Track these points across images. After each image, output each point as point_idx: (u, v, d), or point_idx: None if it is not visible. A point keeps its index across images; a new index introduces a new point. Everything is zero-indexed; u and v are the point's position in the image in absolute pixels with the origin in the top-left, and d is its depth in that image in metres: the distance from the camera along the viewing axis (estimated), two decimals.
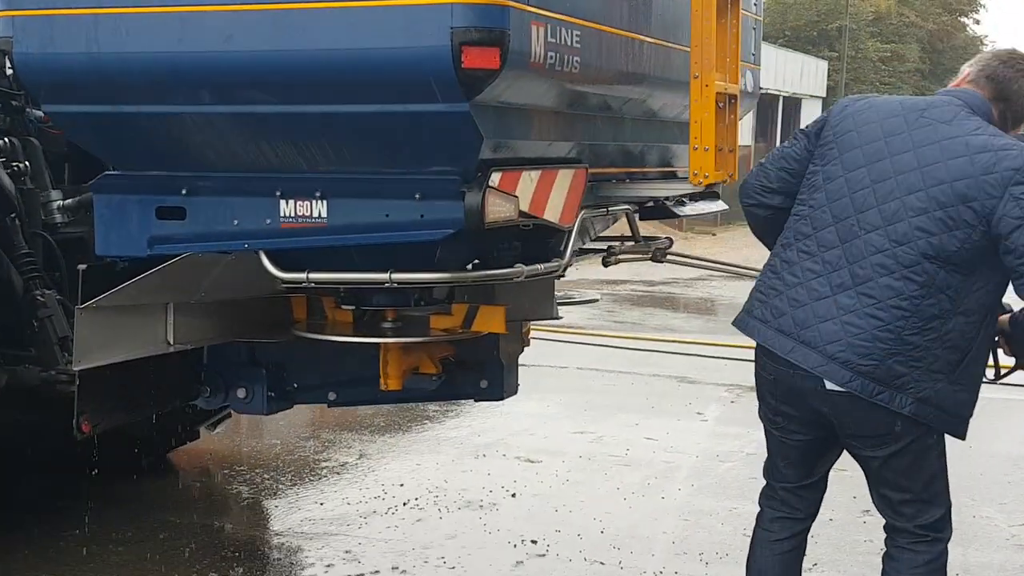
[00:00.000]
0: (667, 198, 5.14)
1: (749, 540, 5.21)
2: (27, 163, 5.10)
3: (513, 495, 6.13)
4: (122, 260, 4.12)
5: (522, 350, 5.29)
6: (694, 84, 4.38)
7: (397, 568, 5.07)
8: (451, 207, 3.64)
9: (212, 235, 3.93)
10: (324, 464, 6.64)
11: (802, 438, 3.70)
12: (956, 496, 3.70)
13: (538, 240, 4.31)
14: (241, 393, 4.67)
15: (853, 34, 40.86)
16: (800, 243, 3.57)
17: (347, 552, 5.26)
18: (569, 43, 3.73)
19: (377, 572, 5.04)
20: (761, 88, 24.91)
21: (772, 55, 33.06)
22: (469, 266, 4.13)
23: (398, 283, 3.87)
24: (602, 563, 5.19)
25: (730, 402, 8.54)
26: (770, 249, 3.78)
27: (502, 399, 5.04)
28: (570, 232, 4.23)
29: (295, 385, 4.80)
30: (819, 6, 42.05)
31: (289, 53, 3.45)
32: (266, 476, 6.42)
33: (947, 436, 3.58)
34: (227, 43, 3.48)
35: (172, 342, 4.21)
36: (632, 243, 5.23)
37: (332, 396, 4.85)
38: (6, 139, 5.07)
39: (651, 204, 5.20)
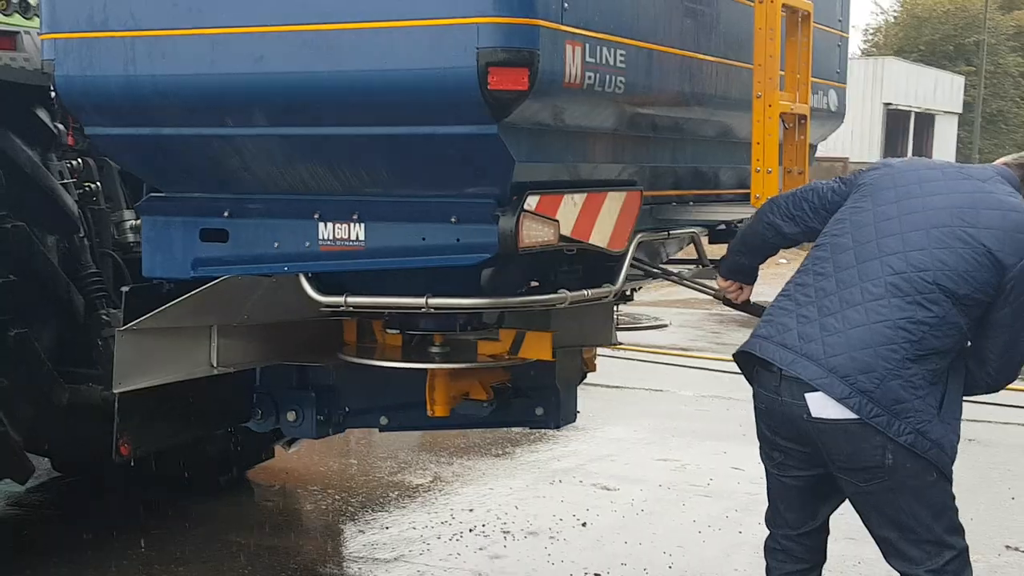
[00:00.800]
0: (738, 221, 4.94)
1: None
2: (99, 183, 5.16)
3: (584, 524, 5.98)
4: (168, 282, 4.11)
5: (583, 376, 5.15)
6: (757, 104, 4.24)
7: None
8: (486, 231, 3.54)
9: (254, 258, 3.88)
10: (397, 486, 6.58)
11: (800, 474, 3.60)
12: None
13: (601, 263, 4.16)
14: (291, 416, 4.62)
15: (992, 48, 39.65)
16: (816, 266, 3.56)
17: None
18: (612, 63, 3.60)
19: None
20: (890, 104, 24.36)
21: (903, 70, 32.29)
22: (522, 289, 4.05)
23: (435, 308, 3.77)
24: None
25: None
26: (737, 261, 3.98)
27: (558, 427, 4.91)
28: (624, 257, 4.09)
29: (346, 409, 4.73)
30: (956, 20, 40.95)
31: (319, 74, 3.40)
32: (337, 497, 6.39)
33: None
34: (258, 65, 3.44)
35: (216, 364, 4.19)
36: (701, 267, 5.04)
37: (384, 421, 4.76)
38: (80, 159, 5.14)
39: (723, 227, 5.01)
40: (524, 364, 4.56)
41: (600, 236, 3.86)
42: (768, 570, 3.77)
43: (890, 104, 30.61)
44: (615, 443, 7.63)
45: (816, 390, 3.34)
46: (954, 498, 3.45)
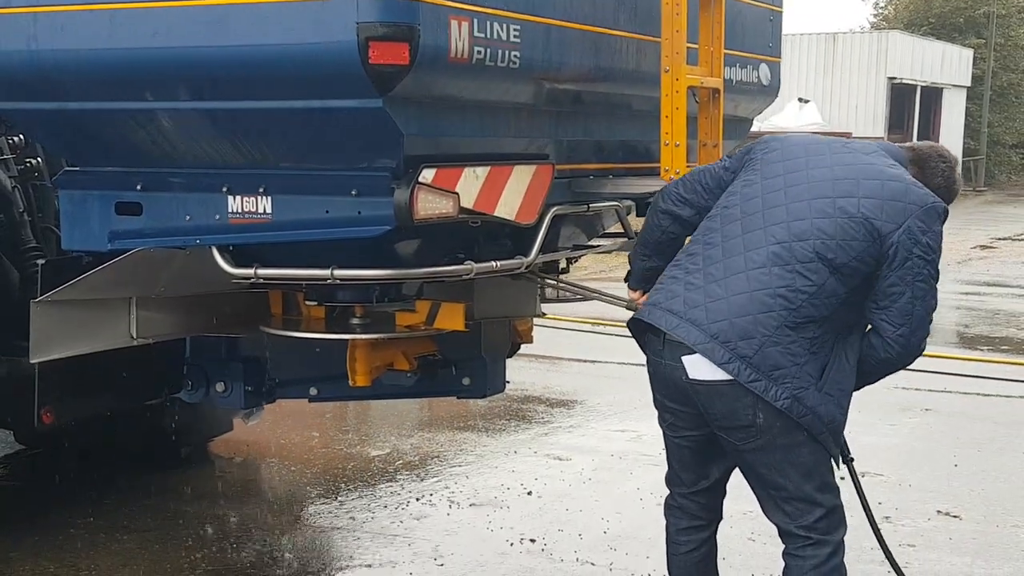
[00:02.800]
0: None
1: (753, 545, 5.16)
2: (39, 159, 5.26)
3: (529, 493, 6.07)
4: (87, 254, 4.21)
5: (516, 348, 5.25)
6: (665, 78, 4.30)
7: (383, 563, 5.08)
8: (384, 204, 3.62)
9: (167, 230, 3.99)
10: (354, 458, 6.68)
11: (690, 434, 3.71)
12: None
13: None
14: (220, 387, 4.73)
15: (1002, 20, 39.35)
16: (706, 236, 3.65)
17: (339, 547, 5.29)
18: (504, 38, 3.67)
19: (363, 565, 5.06)
20: (895, 78, 24.12)
21: (908, 43, 32.08)
22: (445, 260, 4.12)
23: (340, 279, 3.86)
24: (592, 564, 5.11)
25: None
26: (643, 266, 3.93)
27: (485, 396, 5.01)
28: (537, 229, 4.17)
29: (275, 380, 4.84)
30: None
31: (209, 49, 3.49)
32: (293, 468, 6.50)
33: None
34: (152, 39, 3.53)
35: (135, 336, 4.29)
36: (626, 240, 5.11)
37: (313, 392, 4.87)
38: (21, 136, 5.23)
39: (651, 200, 5.08)
40: (450, 334, 4.65)
41: (507, 209, 3.93)
42: (667, 527, 3.90)
43: (895, 78, 30.41)
44: (578, 415, 7.73)
45: (693, 353, 3.44)
46: (831, 455, 3.54)
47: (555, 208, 4.23)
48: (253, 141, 3.69)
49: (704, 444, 3.69)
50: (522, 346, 5.38)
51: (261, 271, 3.92)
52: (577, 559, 5.16)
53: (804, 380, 3.40)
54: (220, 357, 4.76)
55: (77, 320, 4.16)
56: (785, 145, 3.74)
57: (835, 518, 3.53)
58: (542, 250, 4.22)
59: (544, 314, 5.22)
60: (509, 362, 5.39)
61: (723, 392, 3.43)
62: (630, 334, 3.81)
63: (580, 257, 5.48)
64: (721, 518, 3.89)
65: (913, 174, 3.64)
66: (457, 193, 3.71)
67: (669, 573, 3.86)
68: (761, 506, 3.65)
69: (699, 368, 3.46)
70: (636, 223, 5.17)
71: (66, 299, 4.08)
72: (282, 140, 3.66)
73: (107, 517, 5.61)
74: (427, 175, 3.60)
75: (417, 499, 5.95)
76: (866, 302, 3.49)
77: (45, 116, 3.88)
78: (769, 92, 5.57)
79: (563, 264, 5.38)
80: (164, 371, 4.76)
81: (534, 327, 5.52)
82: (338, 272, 3.85)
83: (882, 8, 45.41)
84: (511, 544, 5.33)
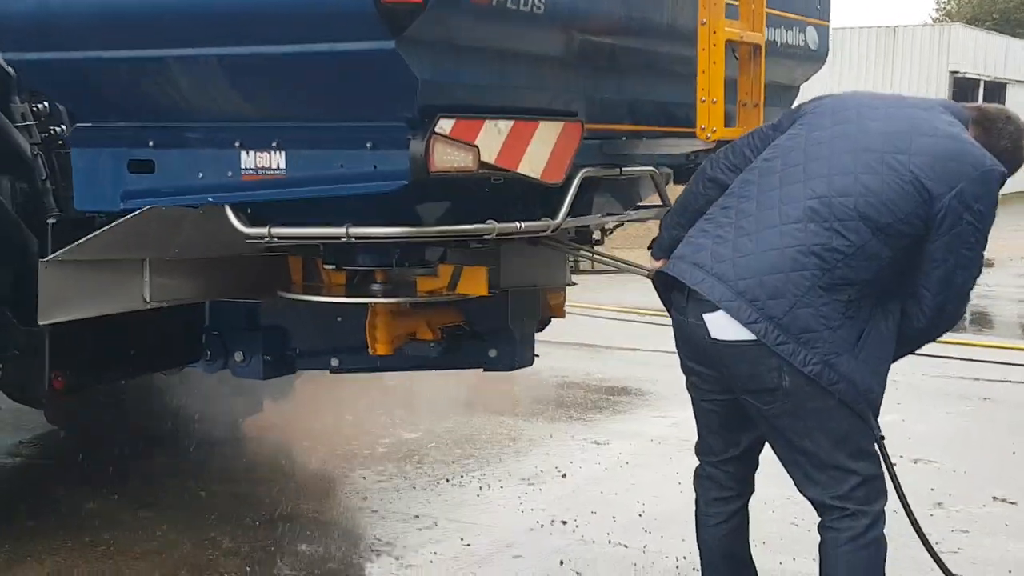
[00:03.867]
0: (695, 156, 4.77)
1: (794, 529, 4.93)
2: (63, 127, 5.14)
3: (564, 476, 5.88)
4: (100, 215, 4.07)
5: (547, 322, 5.05)
6: (701, 31, 4.10)
7: (408, 543, 4.92)
8: (400, 157, 3.45)
9: (180, 188, 3.85)
10: (385, 440, 6.52)
11: (714, 398, 3.50)
12: None
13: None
14: (238, 357, 4.58)
15: None
16: (741, 189, 3.41)
17: (365, 526, 5.14)
18: None
19: (388, 544, 4.91)
20: (957, 72, 23.59)
21: (971, 37, 31.48)
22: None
23: (355, 237, 3.69)
24: (625, 546, 4.91)
25: None
26: (676, 236, 3.63)
27: (512, 369, 4.81)
28: (565, 191, 3.97)
29: (296, 350, 4.68)
30: None
31: None
32: (323, 449, 6.35)
33: None
34: None
35: (148, 299, 4.15)
36: (661, 207, 4.89)
37: (335, 363, 4.71)
38: (45, 103, 5.11)
39: (690, 166, 4.87)
40: (476, 304, 4.48)
41: (531, 166, 3.74)
42: (696, 500, 3.70)
43: (957, 72, 29.83)
44: (617, 402, 7.54)
45: (715, 310, 3.23)
46: (867, 425, 3.30)
47: (585, 170, 4.04)
48: (263, 90, 3.54)
49: (731, 409, 3.47)
50: (561, 330, 5.19)
51: (275, 230, 3.77)
52: (609, 541, 4.96)
53: (838, 345, 3.16)
54: (239, 326, 4.61)
55: (88, 282, 4.03)
56: (837, 100, 3.51)
57: (874, 487, 3.29)
58: (570, 215, 4.03)
59: (575, 283, 5.02)
60: (548, 350, 5.20)
61: (747, 353, 3.21)
62: (655, 290, 3.60)
63: (614, 229, 5.24)
64: (752, 491, 3.66)
65: (975, 135, 3.37)
66: (477, 146, 3.52)
67: (699, 546, 3.66)
68: (793, 481, 3.41)
69: (722, 327, 3.24)
70: (675, 192, 4.97)
71: (77, 259, 3.95)
72: (293, 88, 3.50)
73: (130, 495, 5.49)
74: (444, 125, 3.42)
75: (447, 480, 5.77)
76: (912, 267, 3.24)
77: (52, 66, 3.74)
78: (817, 57, 5.34)
79: (597, 236, 5.19)
80: (180, 339, 4.62)
81: (568, 310, 5.32)
82: (353, 230, 3.68)
83: (944, 4, 44.74)
84: (541, 525, 5.14)
